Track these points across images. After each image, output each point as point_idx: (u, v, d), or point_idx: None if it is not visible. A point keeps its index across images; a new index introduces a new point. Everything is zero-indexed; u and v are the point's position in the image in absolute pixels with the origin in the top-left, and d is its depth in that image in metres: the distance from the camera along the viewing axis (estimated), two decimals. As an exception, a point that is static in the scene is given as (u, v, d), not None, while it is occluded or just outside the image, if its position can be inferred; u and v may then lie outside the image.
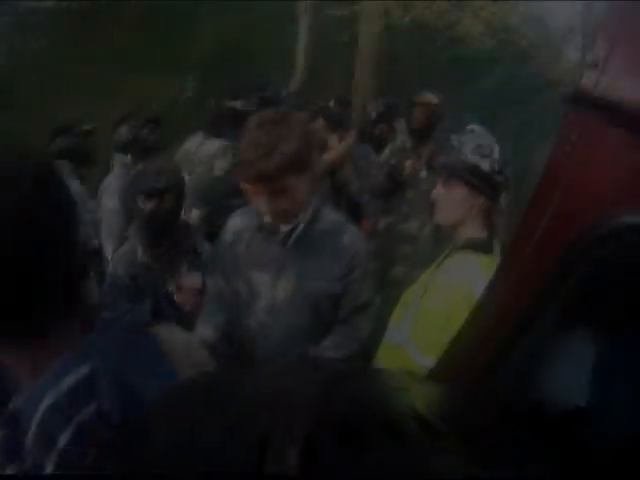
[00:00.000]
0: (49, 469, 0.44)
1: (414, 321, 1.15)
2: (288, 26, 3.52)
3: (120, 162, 2.03)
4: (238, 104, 2.04)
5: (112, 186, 1.94)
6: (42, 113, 3.70)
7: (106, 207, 1.94)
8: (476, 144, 1.17)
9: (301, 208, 1.00)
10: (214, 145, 2.15)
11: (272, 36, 3.68)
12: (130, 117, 2.06)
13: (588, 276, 0.49)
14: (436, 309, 1.09)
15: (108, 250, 1.94)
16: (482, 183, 1.15)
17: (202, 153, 2.19)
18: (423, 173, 2.12)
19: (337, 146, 2.26)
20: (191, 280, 1.43)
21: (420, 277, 1.35)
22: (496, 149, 1.14)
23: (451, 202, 1.20)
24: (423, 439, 0.23)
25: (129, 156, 2.03)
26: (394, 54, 4.00)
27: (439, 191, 1.21)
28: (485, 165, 1.14)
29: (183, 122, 3.83)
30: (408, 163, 2.23)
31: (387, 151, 2.41)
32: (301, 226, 1.00)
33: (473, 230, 1.17)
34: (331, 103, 2.66)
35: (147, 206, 1.43)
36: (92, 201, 2.11)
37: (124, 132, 2.03)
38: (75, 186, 1.99)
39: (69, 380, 0.46)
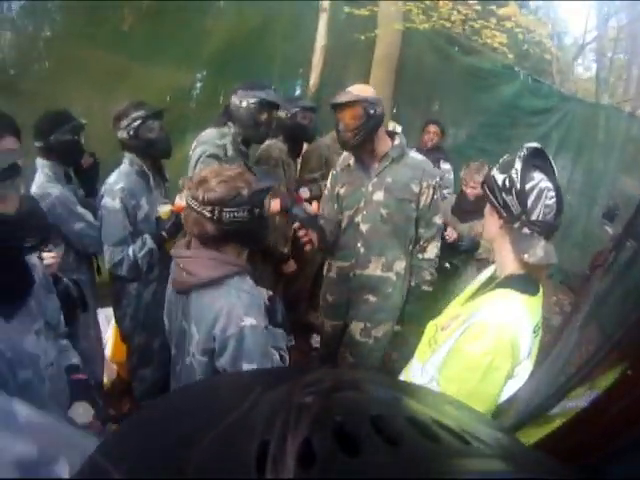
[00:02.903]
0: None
1: (447, 363, 1.04)
2: (307, 23, 3.42)
3: (127, 160, 1.92)
4: (236, 101, 2.01)
5: (115, 185, 1.84)
6: (49, 100, 3.62)
7: (107, 207, 1.83)
8: (505, 160, 1.09)
9: None
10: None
11: (291, 32, 3.58)
12: (128, 111, 1.88)
13: None
14: (476, 354, 0.98)
15: (107, 251, 1.86)
16: (494, 198, 1.07)
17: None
18: (379, 194, 1.81)
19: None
20: None
21: (447, 310, 1.25)
22: (516, 168, 1.03)
23: (485, 218, 1.15)
24: (417, 442, 0.22)
25: (133, 154, 1.91)
26: (411, 59, 3.92)
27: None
28: (499, 180, 1.06)
29: (195, 117, 3.79)
30: None
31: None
32: None
33: (513, 265, 1.08)
34: None
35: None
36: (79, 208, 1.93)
37: (124, 128, 1.87)
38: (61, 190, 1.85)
39: None
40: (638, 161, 5.46)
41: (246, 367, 1.10)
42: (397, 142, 1.80)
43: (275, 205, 1.82)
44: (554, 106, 4.92)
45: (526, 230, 1.03)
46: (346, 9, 3.63)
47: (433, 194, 1.80)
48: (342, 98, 1.70)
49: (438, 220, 1.88)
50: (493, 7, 4.23)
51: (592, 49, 8.82)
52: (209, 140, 2.01)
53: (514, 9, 4.42)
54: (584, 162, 5.36)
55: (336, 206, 1.91)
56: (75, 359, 1.24)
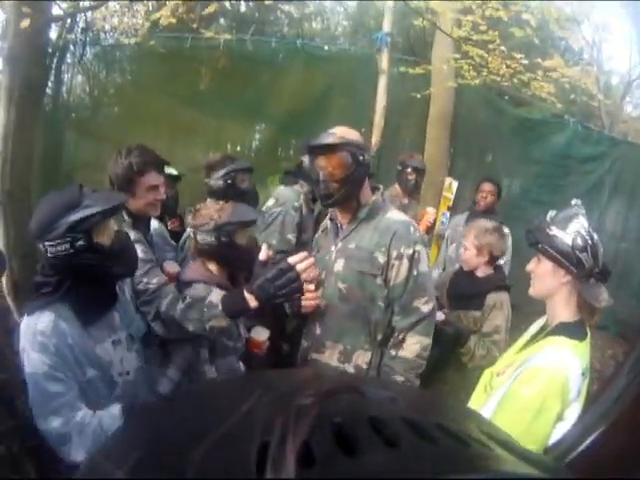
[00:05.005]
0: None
1: (501, 406, 1.11)
2: (365, 83, 3.64)
3: None
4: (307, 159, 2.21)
5: None
6: (118, 142, 3.95)
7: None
8: (562, 217, 1.15)
9: None
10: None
11: (350, 92, 3.82)
12: (225, 162, 2.08)
13: None
14: (529, 396, 1.05)
15: None
16: (563, 258, 1.12)
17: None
18: (339, 264, 1.49)
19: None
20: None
21: (502, 358, 1.31)
22: (584, 225, 1.10)
23: (538, 276, 1.20)
24: (415, 443, 0.22)
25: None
26: (465, 114, 4.06)
27: (531, 264, 1.23)
28: (567, 240, 1.11)
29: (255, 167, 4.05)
30: None
31: None
32: None
33: (566, 313, 1.15)
34: (408, 169, 2.70)
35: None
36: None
37: (221, 177, 2.04)
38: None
39: None
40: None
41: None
42: (373, 199, 1.45)
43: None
44: (605, 152, 4.86)
45: (593, 280, 1.10)
46: (401, 68, 3.85)
47: (410, 268, 1.37)
48: (326, 140, 1.34)
49: (423, 305, 1.39)
50: (539, 60, 4.33)
51: (639, 85, 8.68)
52: (288, 201, 2.19)
53: (559, 61, 4.50)
54: (639, 206, 5.20)
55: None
56: (164, 387, 1.37)
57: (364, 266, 1.40)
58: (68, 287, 1.13)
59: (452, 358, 1.82)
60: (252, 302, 1.22)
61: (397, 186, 2.80)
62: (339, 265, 1.44)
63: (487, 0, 3.91)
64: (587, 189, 4.48)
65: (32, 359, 1.09)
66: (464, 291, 1.93)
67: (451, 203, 3.42)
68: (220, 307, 1.28)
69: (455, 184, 3.40)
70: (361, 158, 1.35)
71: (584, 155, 4.63)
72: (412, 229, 1.42)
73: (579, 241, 1.09)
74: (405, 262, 1.37)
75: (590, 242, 1.09)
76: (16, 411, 1.30)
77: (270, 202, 2.27)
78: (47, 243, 1.08)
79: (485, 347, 1.81)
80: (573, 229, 1.10)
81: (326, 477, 0.20)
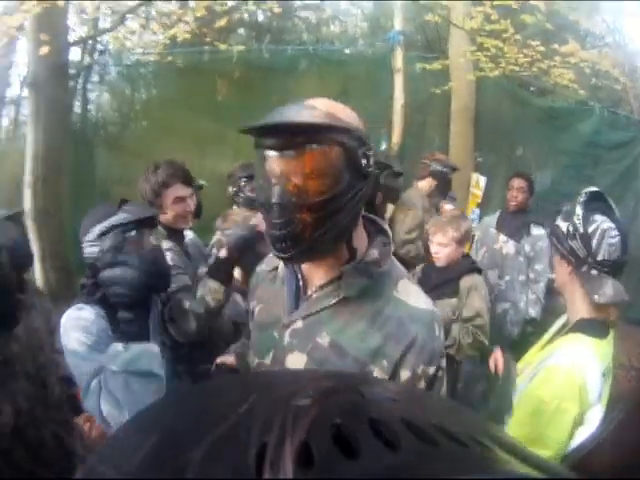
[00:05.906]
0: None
1: (517, 407, 1.08)
2: (383, 82, 3.65)
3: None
4: None
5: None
6: (148, 156, 4.06)
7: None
8: (567, 209, 1.15)
9: None
10: None
11: (369, 93, 3.83)
12: (239, 171, 2.14)
13: None
14: (545, 396, 1.02)
15: None
16: (561, 246, 1.12)
17: None
18: (295, 359, 0.82)
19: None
20: None
21: (522, 358, 1.29)
22: (577, 213, 1.10)
23: (555, 268, 1.21)
24: (415, 445, 0.22)
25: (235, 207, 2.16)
26: (488, 107, 4.01)
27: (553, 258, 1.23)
28: (563, 228, 1.12)
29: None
30: None
31: None
32: None
33: (584, 309, 1.12)
34: (439, 167, 2.58)
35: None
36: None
37: (232, 185, 2.14)
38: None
39: None
40: None
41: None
42: (370, 255, 0.78)
43: None
44: (635, 137, 4.69)
45: (594, 272, 1.07)
46: (419, 65, 3.84)
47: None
48: (302, 116, 0.67)
49: None
50: (555, 46, 4.25)
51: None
52: None
53: (575, 46, 4.41)
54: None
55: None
56: None
57: None
58: (102, 294, 1.18)
59: None
60: (222, 252, 1.37)
61: (419, 184, 2.59)
62: (296, 360, 0.80)
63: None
64: (620, 176, 4.32)
65: (74, 338, 1.12)
66: (436, 282, 1.85)
67: (480, 200, 3.35)
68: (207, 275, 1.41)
69: (483, 180, 3.34)
70: (364, 162, 0.69)
71: (613, 142, 4.46)
72: (437, 329, 0.79)
73: (570, 229, 1.10)
74: (421, 385, 0.77)
75: (582, 230, 1.08)
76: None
77: None
78: (84, 244, 1.21)
79: (470, 333, 1.79)
80: (570, 218, 1.12)
81: (325, 478, 0.20)
